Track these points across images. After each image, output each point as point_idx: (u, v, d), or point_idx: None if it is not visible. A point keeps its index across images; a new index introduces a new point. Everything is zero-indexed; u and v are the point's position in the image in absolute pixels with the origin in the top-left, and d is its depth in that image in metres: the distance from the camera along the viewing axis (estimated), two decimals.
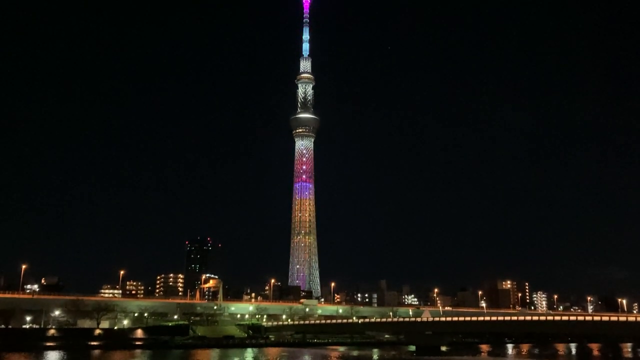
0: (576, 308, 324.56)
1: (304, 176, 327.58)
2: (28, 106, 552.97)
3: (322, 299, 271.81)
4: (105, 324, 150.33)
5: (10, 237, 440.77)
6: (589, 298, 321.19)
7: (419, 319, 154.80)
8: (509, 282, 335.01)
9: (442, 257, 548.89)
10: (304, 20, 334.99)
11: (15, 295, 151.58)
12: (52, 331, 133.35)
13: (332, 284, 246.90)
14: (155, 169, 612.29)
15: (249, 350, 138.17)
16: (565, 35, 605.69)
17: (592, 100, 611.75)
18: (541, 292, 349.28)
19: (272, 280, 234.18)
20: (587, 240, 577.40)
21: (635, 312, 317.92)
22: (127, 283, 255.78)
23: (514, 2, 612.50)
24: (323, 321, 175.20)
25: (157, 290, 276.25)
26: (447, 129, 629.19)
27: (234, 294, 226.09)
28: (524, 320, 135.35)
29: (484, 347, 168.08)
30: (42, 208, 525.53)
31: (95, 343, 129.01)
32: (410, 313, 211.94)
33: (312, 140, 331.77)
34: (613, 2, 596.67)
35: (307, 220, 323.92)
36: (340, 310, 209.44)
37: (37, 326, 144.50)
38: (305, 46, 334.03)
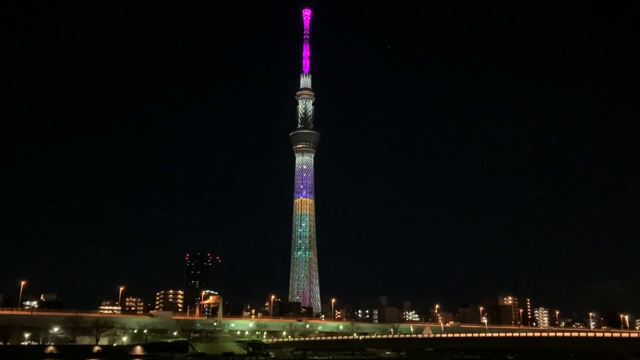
0: (578, 324, 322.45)
1: (304, 192, 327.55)
2: (28, 123, 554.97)
3: (323, 316, 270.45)
4: (104, 341, 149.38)
5: (9, 253, 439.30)
6: (590, 314, 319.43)
7: (420, 336, 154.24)
8: (510, 298, 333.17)
9: (443, 273, 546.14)
10: (304, 37, 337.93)
11: (14, 312, 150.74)
12: (50, 348, 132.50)
13: (333, 300, 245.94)
14: (155, 185, 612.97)
15: None
16: (567, 47, 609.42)
17: (594, 112, 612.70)
18: (543, 308, 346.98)
19: (272, 297, 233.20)
20: (589, 255, 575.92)
21: (637, 328, 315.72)
22: (127, 299, 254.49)
23: (513, 13, 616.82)
24: (323, 338, 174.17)
25: (157, 307, 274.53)
26: (448, 144, 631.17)
27: (234, 311, 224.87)
28: (526, 337, 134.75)
29: None
30: (41, 224, 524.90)
31: None
32: (411, 329, 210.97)
33: (313, 155, 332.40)
34: (617, 15, 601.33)
35: (308, 236, 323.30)
36: (341, 327, 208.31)
37: (36, 343, 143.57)
38: (305, 62, 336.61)
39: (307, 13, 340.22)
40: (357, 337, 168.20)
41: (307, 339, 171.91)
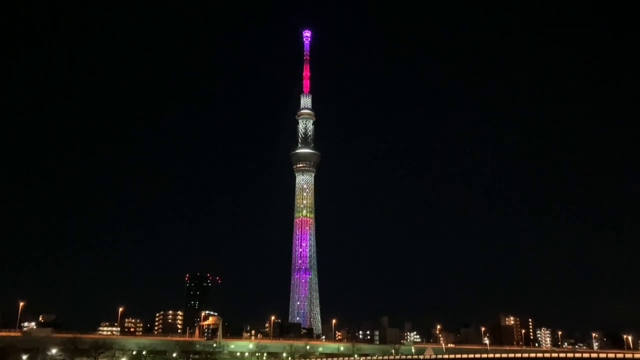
0: (581, 345, 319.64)
1: (304, 211, 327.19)
2: (28, 145, 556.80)
3: (323, 337, 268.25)
4: None
5: (7, 274, 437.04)
6: (594, 334, 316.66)
7: (421, 357, 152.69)
8: (512, 318, 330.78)
9: (445, 293, 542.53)
10: (305, 57, 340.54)
11: (12, 333, 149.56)
12: None
13: (333, 321, 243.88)
14: (155, 205, 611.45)
15: None
16: (557, 56, 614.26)
17: (592, 123, 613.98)
18: (545, 329, 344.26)
19: (272, 317, 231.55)
20: (591, 275, 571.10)
21: None
22: (126, 320, 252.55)
23: (503, 28, 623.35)
24: (324, 359, 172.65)
25: (156, 328, 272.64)
26: (450, 163, 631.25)
27: (234, 332, 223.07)
28: (528, 358, 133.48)
29: None
30: (39, 244, 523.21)
31: None
32: (413, 350, 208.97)
33: (313, 175, 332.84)
34: (609, 25, 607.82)
35: (308, 255, 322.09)
36: (342, 348, 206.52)
37: None
38: (306, 83, 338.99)
39: (307, 34, 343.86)
40: (358, 358, 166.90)
41: None
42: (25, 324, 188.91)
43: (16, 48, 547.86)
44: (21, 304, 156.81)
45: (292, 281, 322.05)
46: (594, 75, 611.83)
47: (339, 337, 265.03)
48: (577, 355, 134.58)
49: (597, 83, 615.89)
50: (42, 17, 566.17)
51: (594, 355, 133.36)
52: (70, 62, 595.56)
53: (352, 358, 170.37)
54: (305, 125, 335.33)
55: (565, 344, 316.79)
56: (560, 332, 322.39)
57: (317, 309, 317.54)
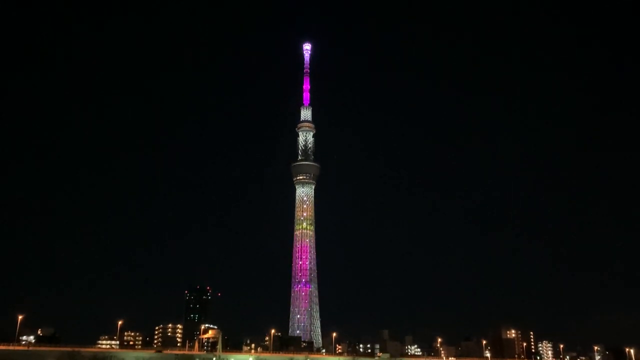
0: (583, 358, 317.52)
1: (304, 224, 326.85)
2: (26, 155, 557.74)
3: (324, 350, 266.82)
4: None
5: (6, 288, 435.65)
6: (595, 348, 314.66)
7: None
8: (513, 331, 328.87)
9: (446, 306, 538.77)
10: (305, 70, 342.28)
11: (10, 347, 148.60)
12: None
13: (334, 334, 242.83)
14: (154, 217, 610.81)
15: None
16: (557, 68, 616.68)
17: (588, 141, 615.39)
18: (546, 342, 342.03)
19: (272, 331, 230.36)
20: (593, 286, 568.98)
21: None
22: (125, 333, 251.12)
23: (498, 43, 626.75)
24: None
25: (156, 341, 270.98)
26: (449, 176, 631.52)
27: (234, 345, 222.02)
28: None
29: None
30: (37, 257, 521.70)
31: None
32: None
33: (313, 187, 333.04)
34: (605, 37, 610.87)
35: (308, 268, 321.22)
36: None
37: None
38: (306, 95, 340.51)
39: (307, 47, 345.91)
40: None
41: None
42: (24, 337, 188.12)
43: (22, 64, 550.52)
44: (19, 317, 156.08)
45: (292, 294, 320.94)
46: (599, 99, 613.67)
47: (339, 350, 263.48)
48: None
49: (601, 106, 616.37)
50: (44, 33, 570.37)
51: None
52: (70, 71, 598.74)
53: None
54: (306, 137, 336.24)
55: (567, 357, 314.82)
56: (562, 345, 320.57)
57: (318, 322, 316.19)
